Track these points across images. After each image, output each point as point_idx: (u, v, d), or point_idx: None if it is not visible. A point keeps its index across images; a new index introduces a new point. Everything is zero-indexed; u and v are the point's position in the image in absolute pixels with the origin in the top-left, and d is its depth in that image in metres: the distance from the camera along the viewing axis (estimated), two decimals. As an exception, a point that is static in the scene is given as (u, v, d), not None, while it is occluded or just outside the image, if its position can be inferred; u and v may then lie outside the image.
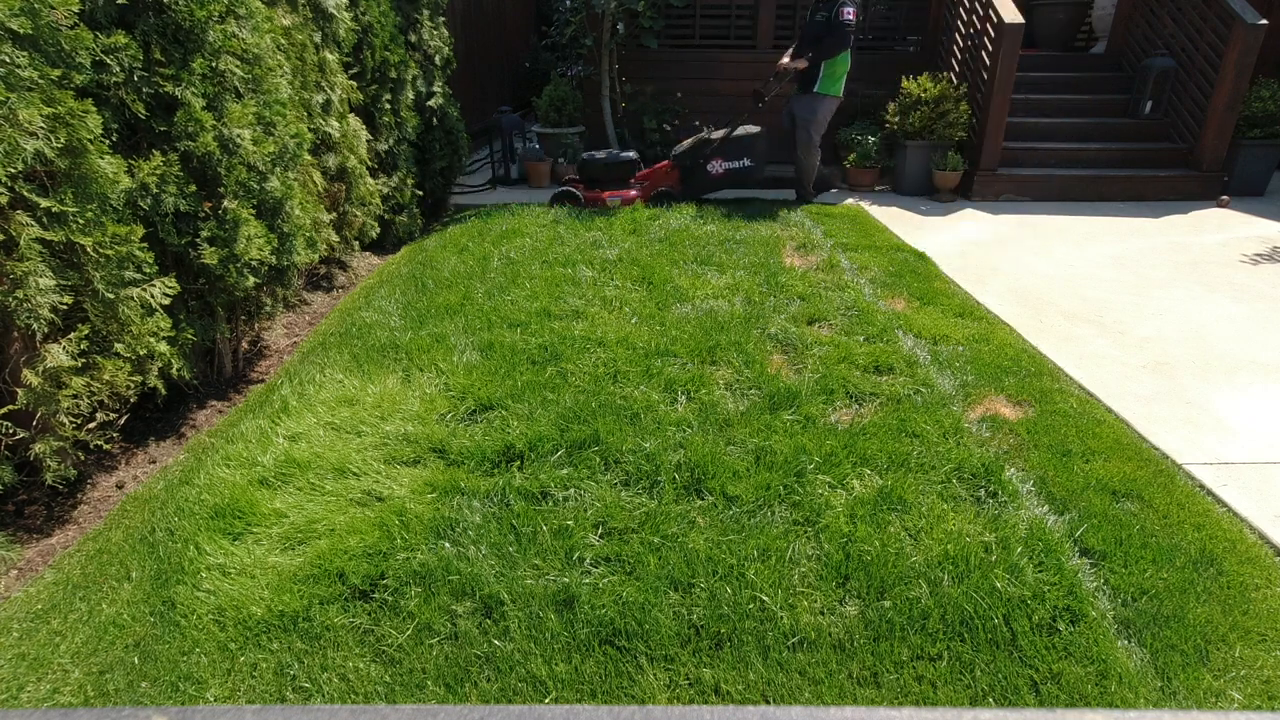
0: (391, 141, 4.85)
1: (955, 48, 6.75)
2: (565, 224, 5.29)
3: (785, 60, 5.69)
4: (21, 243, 2.01)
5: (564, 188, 5.89)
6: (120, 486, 2.52)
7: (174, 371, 2.62)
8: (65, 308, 2.15)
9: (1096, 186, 6.28)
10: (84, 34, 2.13)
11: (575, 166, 5.99)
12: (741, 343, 3.30)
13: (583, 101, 7.10)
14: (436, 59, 5.54)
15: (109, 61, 2.30)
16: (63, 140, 2.07)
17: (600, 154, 5.84)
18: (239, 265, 2.82)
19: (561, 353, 3.20)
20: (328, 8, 3.86)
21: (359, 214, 4.35)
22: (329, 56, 3.92)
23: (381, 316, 3.75)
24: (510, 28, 10.39)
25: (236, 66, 2.82)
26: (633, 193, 5.80)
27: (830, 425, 2.68)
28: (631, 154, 5.83)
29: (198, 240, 2.69)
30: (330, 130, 3.92)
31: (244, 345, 3.44)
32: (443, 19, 5.76)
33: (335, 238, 3.96)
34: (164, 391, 2.64)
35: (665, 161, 5.94)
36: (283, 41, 3.40)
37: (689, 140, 5.86)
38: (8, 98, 1.93)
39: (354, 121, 4.26)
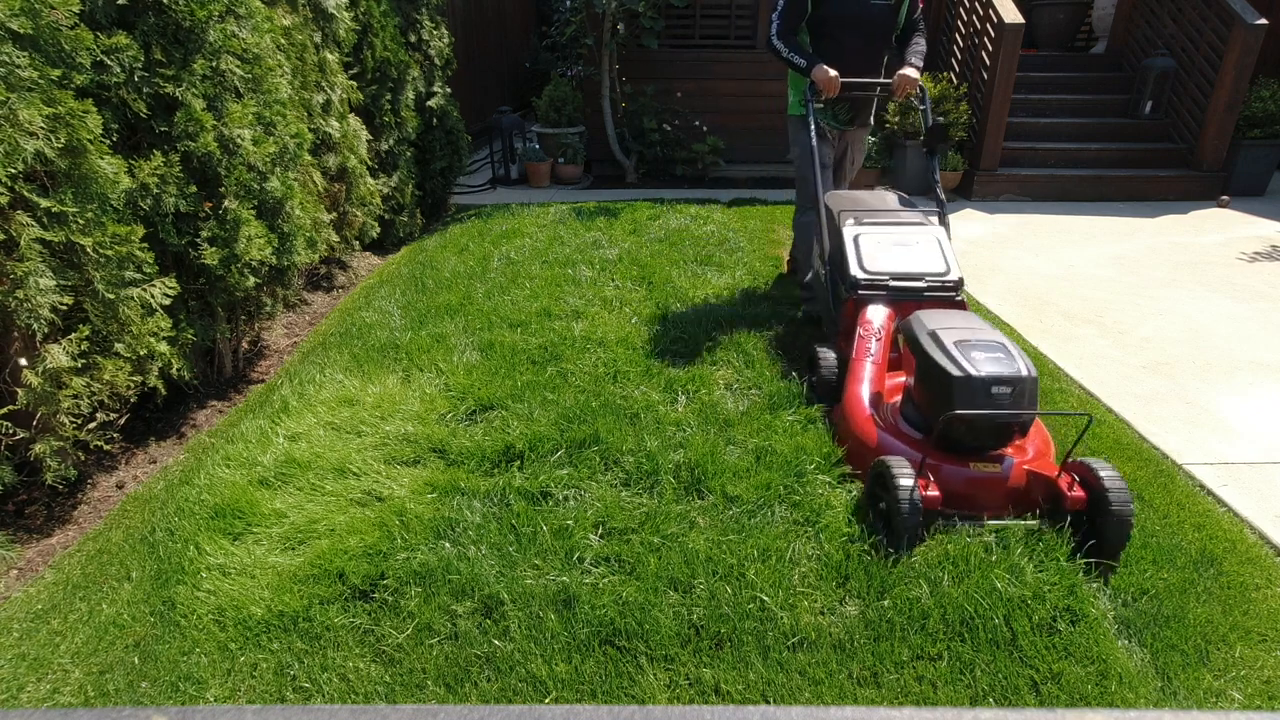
0: (392, 141, 4.85)
1: (955, 48, 6.74)
2: (565, 224, 5.29)
3: (909, 73, 3.52)
4: (22, 243, 2.01)
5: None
6: (120, 486, 2.52)
7: (174, 371, 2.62)
8: (65, 308, 2.15)
9: (1097, 186, 6.28)
10: (84, 34, 2.13)
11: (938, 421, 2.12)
12: (742, 342, 3.29)
13: (583, 101, 7.10)
14: (437, 59, 5.53)
15: (109, 62, 2.30)
16: (63, 140, 2.07)
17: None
18: (239, 265, 2.82)
19: (561, 353, 3.20)
20: (328, 8, 3.86)
21: (359, 214, 4.35)
22: (329, 56, 3.92)
23: (382, 316, 3.75)
24: (510, 28, 10.38)
25: (236, 66, 2.82)
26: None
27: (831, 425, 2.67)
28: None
29: (198, 240, 2.69)
30: (330, 130, 3.92)
31: (244, 345, 3.44)
32: (443, 19, 5.76)
33: (335, 238, 3.96)
34: (164, 391, 2.64)
35: None
36: (283, 41, 3.39)
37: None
38: (8, 98, 1.93)
39: (354, 121, 4.25)
